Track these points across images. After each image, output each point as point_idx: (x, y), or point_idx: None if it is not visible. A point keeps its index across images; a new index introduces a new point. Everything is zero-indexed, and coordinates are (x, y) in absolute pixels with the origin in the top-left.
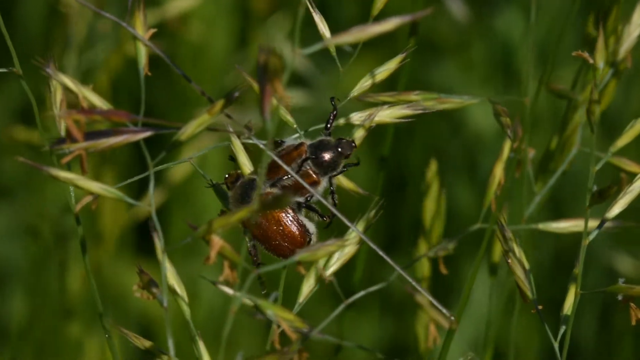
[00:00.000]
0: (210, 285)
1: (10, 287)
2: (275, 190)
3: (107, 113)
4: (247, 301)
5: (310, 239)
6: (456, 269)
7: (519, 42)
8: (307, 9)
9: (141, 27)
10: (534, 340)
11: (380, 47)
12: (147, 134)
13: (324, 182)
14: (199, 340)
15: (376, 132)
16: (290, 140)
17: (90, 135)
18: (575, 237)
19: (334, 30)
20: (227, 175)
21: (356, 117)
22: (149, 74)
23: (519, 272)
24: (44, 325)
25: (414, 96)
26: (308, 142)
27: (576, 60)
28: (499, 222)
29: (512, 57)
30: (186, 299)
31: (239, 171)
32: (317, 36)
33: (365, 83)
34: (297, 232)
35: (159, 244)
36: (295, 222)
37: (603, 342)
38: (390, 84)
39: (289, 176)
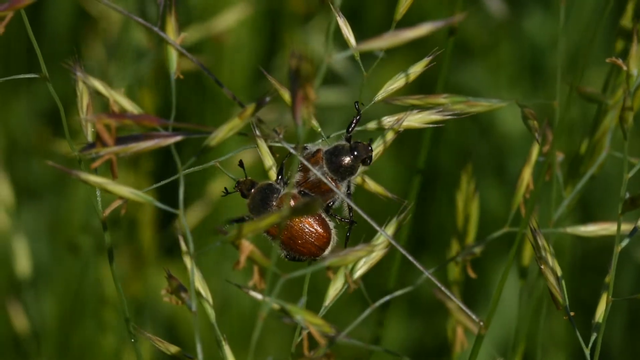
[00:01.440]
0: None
1: (39, 289)
2: (296, 194)
3: (137, 117)
4: (276, 305)
5: (332, 234)
6: (485, 271)
7: (548, 43)
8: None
9: (172, 32)
10: (563, 343)
11: (415, 47)
12: (178, 138)
13: (342, 188)
14: (225, 344)
15: (405, 132)
16: (313, 146)
17: (120, 139)
18: (603, 239)
19: (365, 32)
20: (238, 183)
21: (386, 121)
22: (181, 77)
23: (551, 278)
24: (78, 331)
25: (442, 99)
26: (324, 148)
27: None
28: (532, 227)
29: (540, 58)
30: (211, 302)
31: (250, 178)
32: (356, 37)
33: (391, 86)
34: (321, 229)
35: (187, 249)
36: (317, 219)
37: (631, 343)
38: (421, 85)
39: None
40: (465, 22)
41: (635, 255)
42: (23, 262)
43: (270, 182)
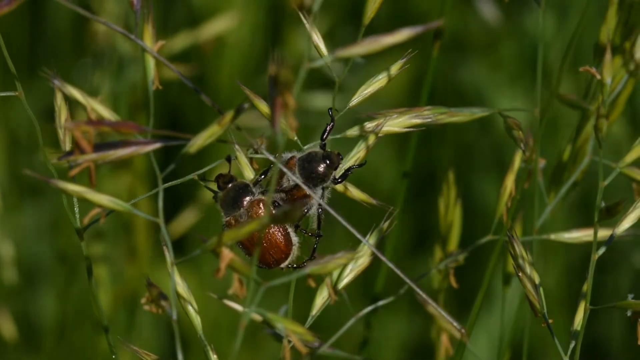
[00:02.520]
0: None
1: (39, 286)
2: (264, 199)
3: (115, 124)
4: (257, 315)
5: (293, 250)
6: (477, 275)
7: (548, 40)
8: (339, 15)
9: (150, 39)
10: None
11: (412, 46)
12: (156, 145)
13: (316, 195)
14: (212, 354)
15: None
16: (287, 153)
17: (98, 146)
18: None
19: (367, 29)
20: (219, 175)
21: (366, 127)
22: (160, 87)
23: (529, 286)
24: (75, 333)
25: (425, 112)
26: (298, 155)
27: (602, 59)
28: (509, 235)
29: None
30: (196, 310)
31: (231, 174)
32: (355, 35)
33: (365, 91)
34: (281, 241)
35: (168, 256)
36: (280, 231)
37: (632, 343)
38: (417, 83)
39: (284, 188)
40: (465, 20)
41: (634, 259)
42: (10, 267)
43: (246, 182)
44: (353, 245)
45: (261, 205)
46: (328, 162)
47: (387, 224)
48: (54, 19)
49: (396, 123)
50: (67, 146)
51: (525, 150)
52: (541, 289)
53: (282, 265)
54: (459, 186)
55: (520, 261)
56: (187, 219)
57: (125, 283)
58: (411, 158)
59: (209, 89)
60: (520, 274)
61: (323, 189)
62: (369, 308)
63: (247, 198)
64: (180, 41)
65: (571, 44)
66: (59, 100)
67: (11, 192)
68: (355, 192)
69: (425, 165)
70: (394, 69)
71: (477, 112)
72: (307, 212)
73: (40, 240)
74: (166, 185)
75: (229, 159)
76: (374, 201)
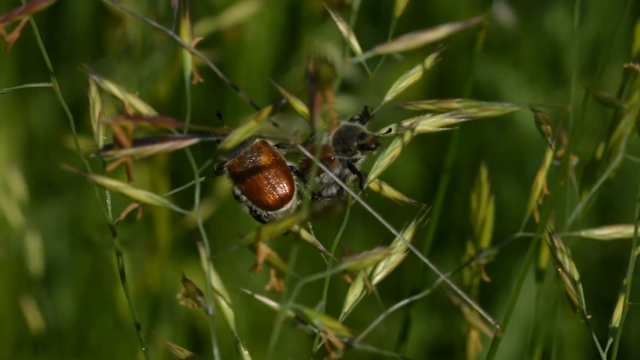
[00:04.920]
0: (260, 286)
1: (58, 285)
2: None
3: (153, 120)
4: (291, 312)
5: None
6: (500, 270)
7: (569, 39)
8: (358, 14)
9: (187, 36)
10: (580, 343)
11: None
12: (193, 141)
13: (338, 165)
14: (244, 350)
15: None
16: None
17: (135, 142)
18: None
19: (386, 29)
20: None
21: (401, 126)
22: (201, 80)
23: (568, 281)
24: (96, 328)
25: (455, 104)
26: (343, 122)
27: (628, 57)
28: (549, 230)
29: (561, 55)
30: (231, 307)
31: (227, 127)
32: (374, 37)
33: (400, 85)
34: (287, 181)
35: (204, 252)
36: (282, 169)
37: None
38: (440, 83)
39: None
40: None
41: None
42: (36, 260)
43: None
44: (385, 240)
45: (264, 146)
46: (361, 140)
47: (418, 221)
48: (73, 18)
49: (430, 122)
50: (101, 139)
51: (552, 146)
52: (580, 286)
53: (282, 210)
54: (475, 185)
55: (560, 257)
56: (204, 211)
57: (144, 278)
58: (453, 154)
59: (228, 88)
60: (559, 270)
61: (348, 162)
62: (404, 302)
63: (249, 140)
64: (202, 28)
65: (609, 44)
66: (94, 93)
67: (29, 190)
68: (388, 190)
69: (440, 165)
70: (427, 62)
71: (509, 107)
72: (323, 179)
73: (59, 239)
74: (201, 179)
75: (219, 115)
76: (406, 199)
